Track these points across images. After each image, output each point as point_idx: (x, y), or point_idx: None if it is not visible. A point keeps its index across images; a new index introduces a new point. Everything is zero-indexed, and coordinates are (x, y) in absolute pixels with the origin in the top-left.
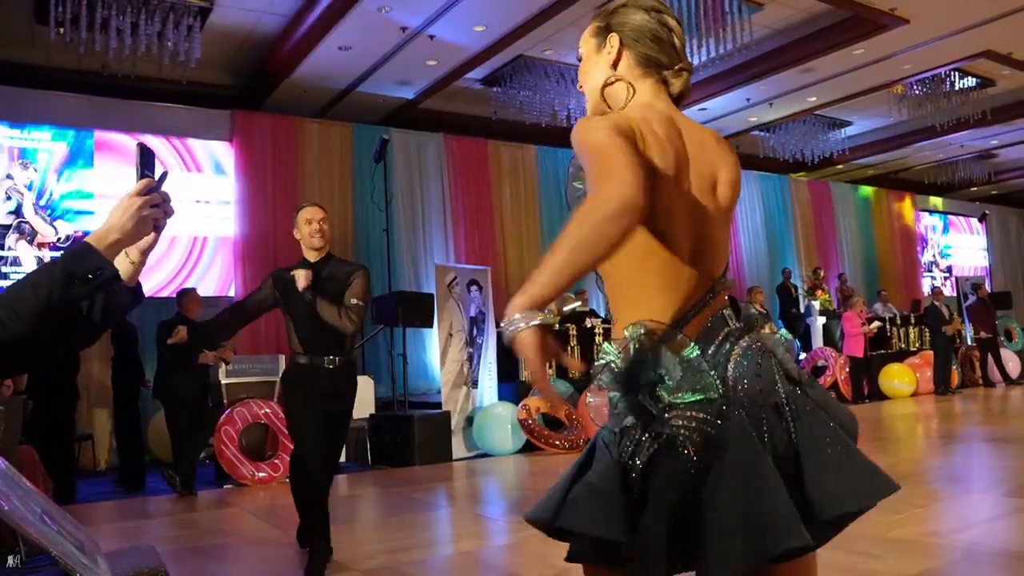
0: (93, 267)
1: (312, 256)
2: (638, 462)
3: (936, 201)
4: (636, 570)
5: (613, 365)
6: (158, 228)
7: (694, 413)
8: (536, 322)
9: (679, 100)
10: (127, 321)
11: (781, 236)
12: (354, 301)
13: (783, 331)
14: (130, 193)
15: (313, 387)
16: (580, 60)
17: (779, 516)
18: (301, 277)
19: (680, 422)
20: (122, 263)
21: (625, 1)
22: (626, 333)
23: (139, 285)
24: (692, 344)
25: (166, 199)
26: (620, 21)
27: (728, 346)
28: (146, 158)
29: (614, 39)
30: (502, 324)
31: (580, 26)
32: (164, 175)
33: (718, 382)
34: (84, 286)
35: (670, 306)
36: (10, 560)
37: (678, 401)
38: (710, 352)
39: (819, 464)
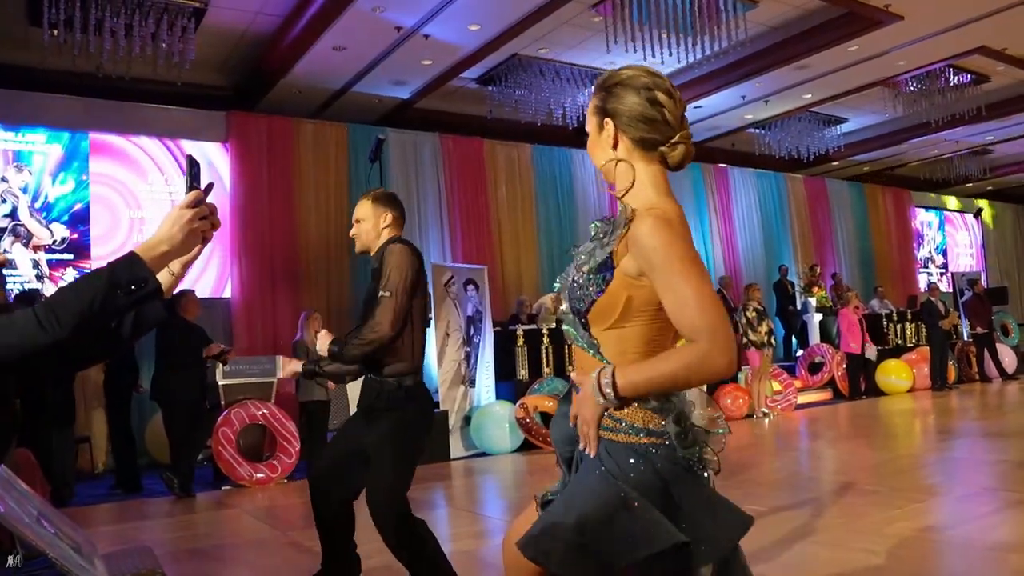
0: (138, 278)
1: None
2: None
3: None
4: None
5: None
6: (205, 240)
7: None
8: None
9: (679, 168)
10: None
11: (777, 233)
12: (380, 294)
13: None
14: (180, 205)
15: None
16: (588, 134)
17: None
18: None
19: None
20: (162, 275)
21: (621, 78)
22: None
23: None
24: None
25: (213, 211)
26: (614, 107)
27: None
28: (194, 169)
29: (610, 125)
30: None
31: (575, 25)
32: (210, 186)
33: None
34: (126, 297)
35: (662, 337)
36: (10, 560)
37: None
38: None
39: None
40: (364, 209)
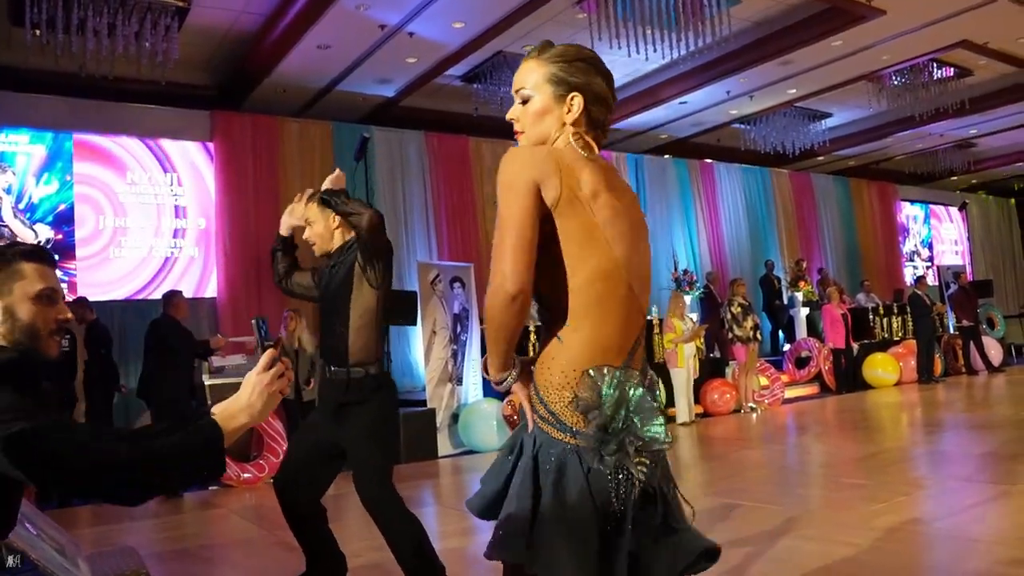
0: (209, 465)
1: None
2: (622, 502)
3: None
4: None
5: (599, 405)
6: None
7: (648, 454)
8: (512, 380)
9: (597, 148)
10: (99, 324)
11: (763, 228)
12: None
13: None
14: (257, 369)
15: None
16: (524, 101)
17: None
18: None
19: (642, 458)
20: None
21: (585, 56)
22: (598, 374)
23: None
24: (641, 380)
25: (288, 367)
26: (585, 82)
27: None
28: (262, 328)
29: (579, 99)
30: (492, 382)
31: (559, 21)
32: (279, 342)
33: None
34: (189, 469)
35: (624, 337)
36: (10, 560)
37: (647, 437)
38: (647, 383)
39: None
40: (312, 212)
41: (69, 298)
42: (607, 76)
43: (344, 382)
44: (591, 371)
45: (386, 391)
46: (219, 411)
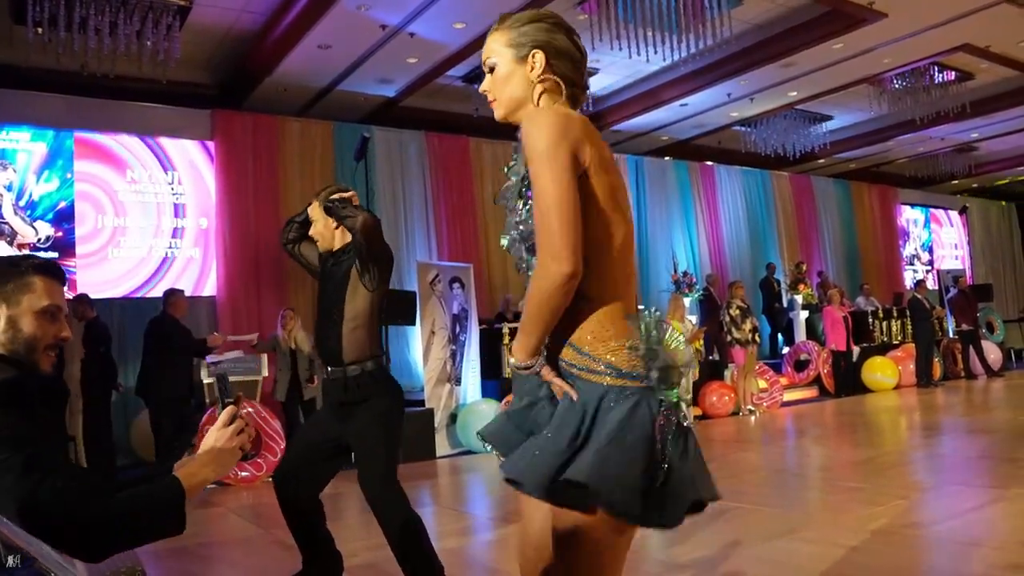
0: (171, 523)
1: (331, 248)
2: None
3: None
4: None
5: (648, 345)
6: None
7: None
8: (541, 364)
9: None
10: (98, 321)
11: (764, 231)
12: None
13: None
14: (218, 425)
15: (325, 397)
16: (491, 70)
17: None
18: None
19: (682, 399)
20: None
21: (542, 15)
22: (643, 319)
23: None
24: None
25: (248, 422)
26: (545, 39)
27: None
28: (222, 382)
29: (539, 55)
30: (515, 364)
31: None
32: (239, 399)
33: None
34: (151, 527)
35: (631, 300)
36: (10, 560)
37: (684, 363)
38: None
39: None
40: (315, 211)
41: (69, 295)
42: (569, 31)
43: (342, 381)
44: (631, 320)
45: (388, 388)
46: (181, 468)
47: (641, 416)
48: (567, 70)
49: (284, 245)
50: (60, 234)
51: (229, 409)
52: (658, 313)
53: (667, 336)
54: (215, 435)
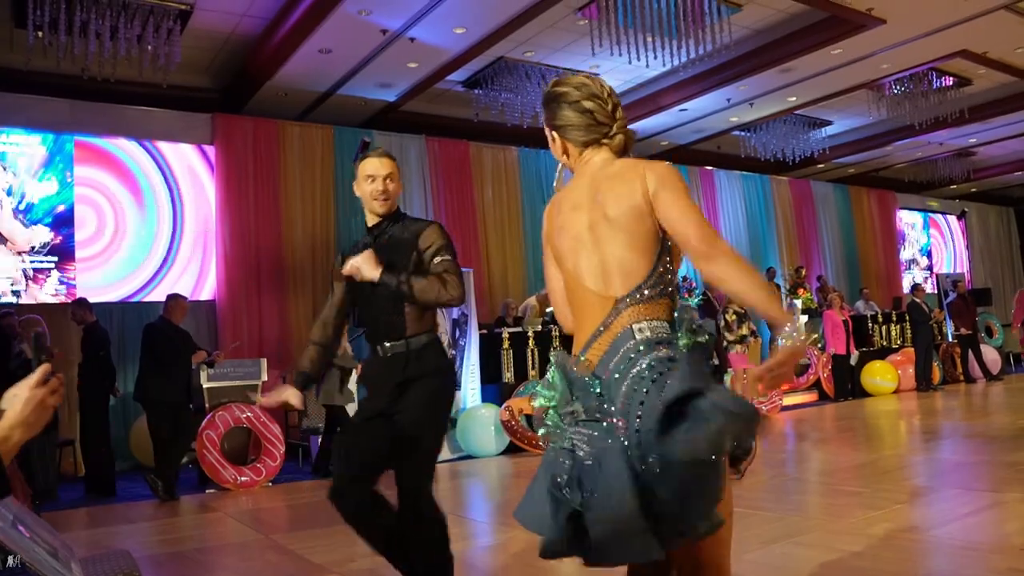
0: None
1: (372, 221)
2: (558, 464)
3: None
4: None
5: (539, 388)
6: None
7: (586, 429)
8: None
9: (626, 150)
10: (97, 325)
11: (763, 235)
12: (439, 259)
13: (686, 341)
14: (30, 384)
15: (370, 384)
16: None
17: (633, 535)
18: (361, 265)
19: (577, 436)
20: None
21: (555, 94)
22: (552, 359)
23: None
24: (587, 367)
25: (61, 382)
26: (556, 123)
27: (628, 362)
28: (39, 341)
29: (554, 135)
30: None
31: (560, 28)
32: (52, 356)
33: (596, 398)
34: None
35: (587, 327)
36: (10, 560)
37: (572, 419)
38: (611, 366)
39: (668, 487)
40: (392, 166)
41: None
42: (574, 104)
43: (403, 356)
44: (551, 356)
45: (445, 366)
46: None
47: (543, 460)
48: (580, 136)
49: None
50: (59, 239)
51: (44, 367)
52: (561, 358)
53: (557, 377)
54: (29, 394)
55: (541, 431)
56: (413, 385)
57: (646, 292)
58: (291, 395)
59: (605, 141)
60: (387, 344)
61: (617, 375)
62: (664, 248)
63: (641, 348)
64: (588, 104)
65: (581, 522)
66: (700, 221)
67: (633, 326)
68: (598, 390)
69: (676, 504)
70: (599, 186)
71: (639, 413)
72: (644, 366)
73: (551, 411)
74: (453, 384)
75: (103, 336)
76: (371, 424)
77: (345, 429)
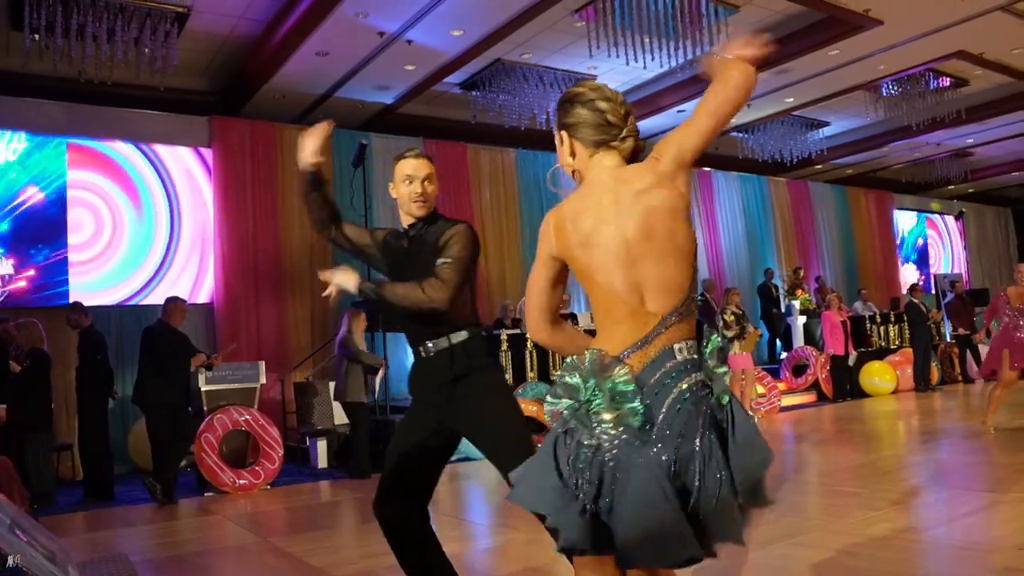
0: None
1: (407, 222)
2: (577, 458)
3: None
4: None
5: (566, 379)
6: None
7: (620, 433)
8: None
9: (635, 157)
10: (93, 329)
11: (761, 236)
12: (440, 261)
13: (724, 376)
14: None
15: (416, 391)
16: None
17: (670, 536)
18: (340, 280)
19: (607, 436)
20: None
21: (568, 96)
22: (587, 356)
23: None
24: (631, 374)
25: None
26: (568, 121)
27: (670, 381)
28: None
29: (564, 135)
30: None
31: (558, 30)
32: None
33: (641, 411)
34: None
35: (620, 339)
36: (10, 560)
37: (601, 419)
38: (652, 381)
39: (712, 510)
40: (430, 167)
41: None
42: (589, 103)
43: (448, 352)
44: (588, 352)
45: (493, 359)
46: None
47: (548, 435)
48: (593, 135)
49: (321, 230)
50: (56, 241)
51: None
52: (596, 355)
53: (600, 376)
54: None
55: (558, 420)
56: (463, 381)
57: (682, 311)
58: (348, 278)
59: (615, 144)
60: (429, 344)
61: (658, 391)
62: (695, 265)
63: (681, 369)
64: (602, 104)
65: (599, 520)
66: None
67: (674, 346)
68: (639, 399)
69: (716, 519)
70: (625, 199)
71: (681, 432)
72: (685, 387)
73: (576, 405)
74: (503, 373)
75: (99, 340)
76: (420, 435)
77: (395, 441)
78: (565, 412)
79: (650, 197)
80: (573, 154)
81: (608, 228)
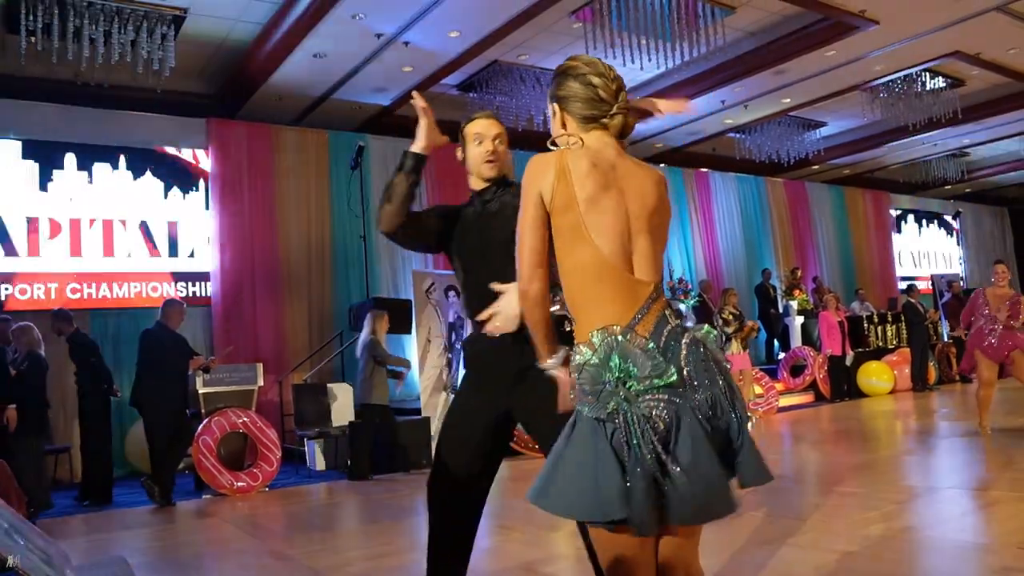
0: None
1: (478, 186)
2: (632, 438)
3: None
4: (635, 525)
5: (588, 365)
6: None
7: (660, 395)
8: (556, 363)
9: (624, 134)
10: (80, 333)
11: (759, 237)
12: None
13: (707, 328)
14: None
15: (480, 372)
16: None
17: (715, 489)
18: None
19: (652, 402)
20: None
21: (562, 68)
22: (594, 338)
23: None
24: (648, 340)
25: None
26: (560, 94)
27: (674, 341)
28: None
29: (556, 107)
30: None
31: (555, 31)
32: None
33: (673, 368)
34: None
35: (624, 311)
36: (10, 560)
37: (645, 387)
38: (660, 346)
39: (741, 443)
40: (500, 127)
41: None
42: (581, 76)
43: (522, 336)
44: (595, 335)
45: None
46: None
47: (579, 429)
48: (583, 110)
49: (388, 231)
50: (54, 243)
51: None
52: (612, 332)
53: (625, 349)
54: None
55: (593, 407)
56: (531, 372)
57: (661, 285)
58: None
59: (605, 120)
60: (498, 337)
61: (670, 353)
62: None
63: (677, 331)
64: (594, 79)
65: (660, 492)
66: None
67: (664, 313)
68: (660, 357)
69: (752, 463)
70: (624, 176)
71: (705, 379)
72: (688, 342)
73: (613, 386)
74: None
75: (88, 342)
76: (481, 419)
77: (454, 424)
78: (605, 396)
79: (649, 182)
80: (564, 126)
81: (613, 194)
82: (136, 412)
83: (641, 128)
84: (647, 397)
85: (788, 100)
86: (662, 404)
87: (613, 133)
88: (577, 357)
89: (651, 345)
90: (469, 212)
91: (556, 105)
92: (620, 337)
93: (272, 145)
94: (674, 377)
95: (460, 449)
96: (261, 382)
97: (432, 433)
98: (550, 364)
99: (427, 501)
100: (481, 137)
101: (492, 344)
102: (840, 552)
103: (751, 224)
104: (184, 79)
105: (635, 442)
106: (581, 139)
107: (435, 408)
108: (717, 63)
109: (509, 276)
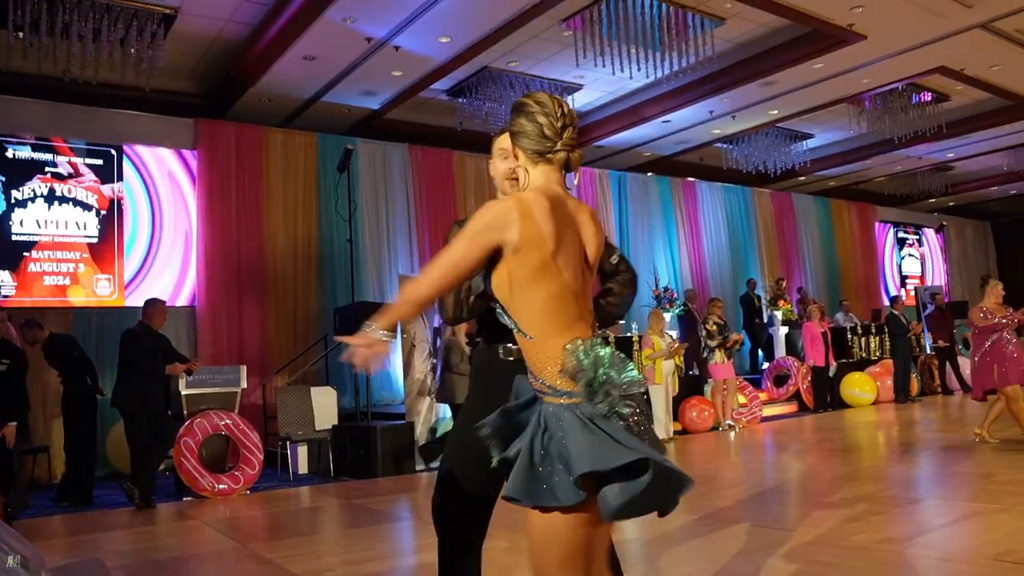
0: None
1: None
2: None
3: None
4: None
5: (581, 369)
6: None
7: (630, 400)
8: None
9: (569, 168)
10: (53, 336)
11: (744, 247)
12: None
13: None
14: None
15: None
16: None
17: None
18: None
19: (629, 403)
20: None
21: (518, 104)
22: (579, 347)
23: None
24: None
25: None
26: (513, 129)
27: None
28: None
29: (510, 141)
30: (371, 328)
31: (544, 39)
32: None
33: (641, 377)
34: None
35: (584, 330)
36: (10, 560)
37: (622, 392)
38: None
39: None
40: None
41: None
42: (530, 114)
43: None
44: (567, 346)
45: None
46: None
47: (567, 422)
48: (532, 146)
49: (453, 320)
50: (38, 242)
51: None
52: (591, 341)
53: (601, 357)
54: None
55: (606, 401)
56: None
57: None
58: None
59: (549, 155)
60: (510, 345)
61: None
62: None
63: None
64: (541, 119)
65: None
66: None
67: (599, 334)
68: (632, 365)
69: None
70: (575, 219)
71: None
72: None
73: (601, 385)
74: None
75: (64, 340)
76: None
77: (459, 438)
78: (607, 393)
79: (590, 217)
80: (515, 155)
81: (572, 234)
82: (117, 412)
83: (628, 136)
84: (624, 399)
85: (776, 112)
86: (633, 401)
87: (557, 167)
88: (571, 359)
89: (623, 355)
90: None
91: (510, 139)
92: (602, 348)
93: (260, 146)
94: (643, 387)
95: (468, 465)
96: (245, 384)
97: (416, 438)
98: (375, 328)
99: (434, 519)
100: (507, 153)
101: (500, 360)
102: (823, 563)
103: (737, 234)
104: (173, 78)
105: (636, 430)
106: (527, 170)
107: (419, 413)
108: (706, 73)
109: None
